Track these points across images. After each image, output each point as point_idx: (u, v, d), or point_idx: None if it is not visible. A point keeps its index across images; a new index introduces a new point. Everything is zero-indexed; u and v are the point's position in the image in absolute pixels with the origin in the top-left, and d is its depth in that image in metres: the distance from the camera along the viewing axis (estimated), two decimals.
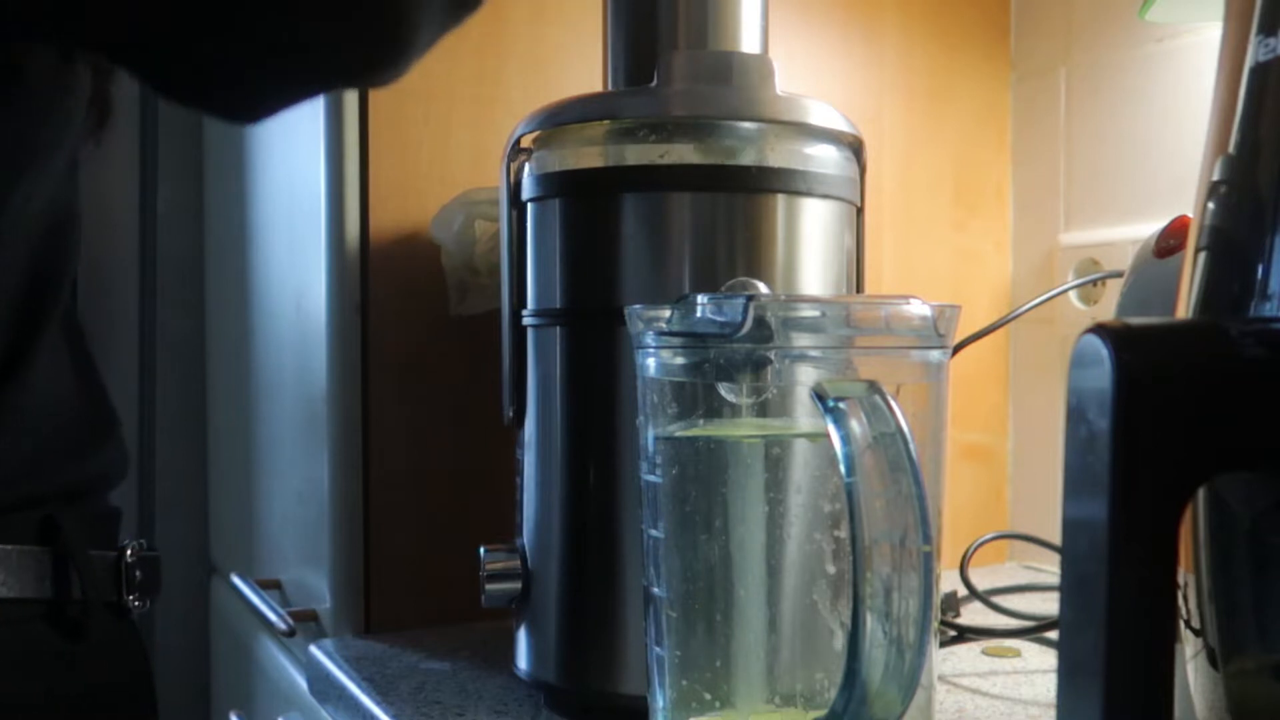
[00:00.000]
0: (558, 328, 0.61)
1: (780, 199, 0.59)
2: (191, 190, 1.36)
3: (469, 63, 0.82)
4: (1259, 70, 0.33)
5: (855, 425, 0.39)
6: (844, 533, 0.43)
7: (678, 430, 0.47)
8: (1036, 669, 0.71)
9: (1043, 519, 0.97)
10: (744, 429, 0.46)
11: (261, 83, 0.51)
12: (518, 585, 0.63)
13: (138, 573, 0.65)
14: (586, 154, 0.60)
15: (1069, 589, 0.28)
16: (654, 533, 0.48)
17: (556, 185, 0.61)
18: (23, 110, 0.56)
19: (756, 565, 0.46)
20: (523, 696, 0.65)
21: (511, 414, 0.64)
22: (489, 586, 0.63)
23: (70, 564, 0.59)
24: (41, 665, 0.60)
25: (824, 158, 0.60)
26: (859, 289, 0.64)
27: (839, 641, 0.45)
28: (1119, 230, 0.92)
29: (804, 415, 0.45)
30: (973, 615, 0.81)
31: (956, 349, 0.67)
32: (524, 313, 0.63)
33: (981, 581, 0.84)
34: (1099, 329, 0.27)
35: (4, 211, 0.56)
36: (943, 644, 0.75)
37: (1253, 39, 0.33)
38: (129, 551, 0.64)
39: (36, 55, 0.56)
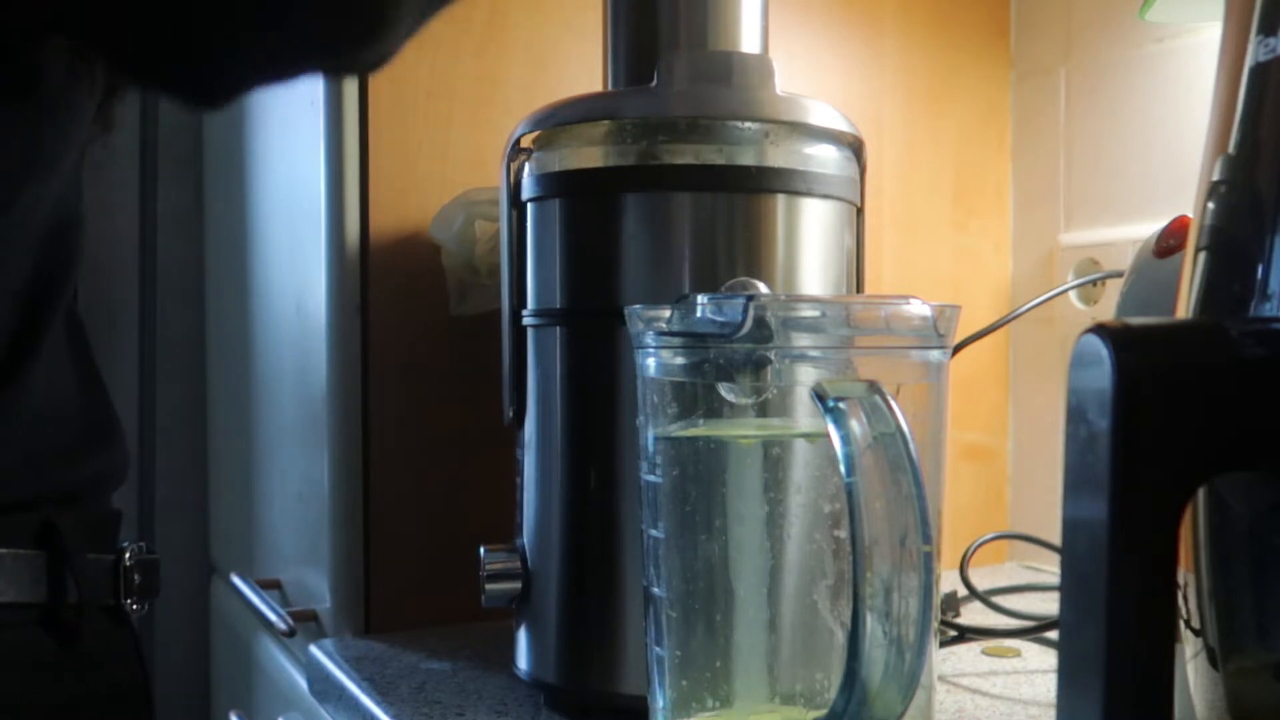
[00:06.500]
0: (558, 328, 0.61)
1: (780, 199, 0.59)
2: (191, 191, 1.36)
3: (469, 63, 0.82)
4: (1259, 70, 0.33)
5: (855, 425, 0.39)
6: (844, 533, 0.43)
7: (678, 430, 0.47)
8: (1036, 669, 0.71)
9: (1043, 519, 0.97)
10: (744, 429, 0.46)
11: (230, 62, 0.45)
12: (518, 585, 0.63)
13: (136, 576, 0.64)
14: (587, 154, 0.60)
15: (1069, 589, 0.28)
16: (654, 533, 0.48)
17: (556, 185, 0.61)
18: (40, 110, 0.56)
19: (756, 565, 0.46)
20: (523, 696, 0.65)
21: (511, 414, 0.64)
22: (489, 586, 0.63)
23: (66, 567, 0.59)
24: (35, 671, 0.59)
25: (824, 158, 0.60)
26: (859, 289, 0.64)
27: (839, 641, 0.45)
28: (1119, 230, 0.92)
29: (804, 415, 0.45)
30: (973, 615, 0.81)
31: (956, 349, 0.67)
32: (524, 313, 0.63)
33: (981, 581, 0.84)
34: (1099, 329, 0.27)
35: (11, 213, 0.56)
36: (943, 644, 0.75)
37: (1253, 39, 0.33)
38: (128, 554, 0.64)
39: (53, 54, 0.55)
